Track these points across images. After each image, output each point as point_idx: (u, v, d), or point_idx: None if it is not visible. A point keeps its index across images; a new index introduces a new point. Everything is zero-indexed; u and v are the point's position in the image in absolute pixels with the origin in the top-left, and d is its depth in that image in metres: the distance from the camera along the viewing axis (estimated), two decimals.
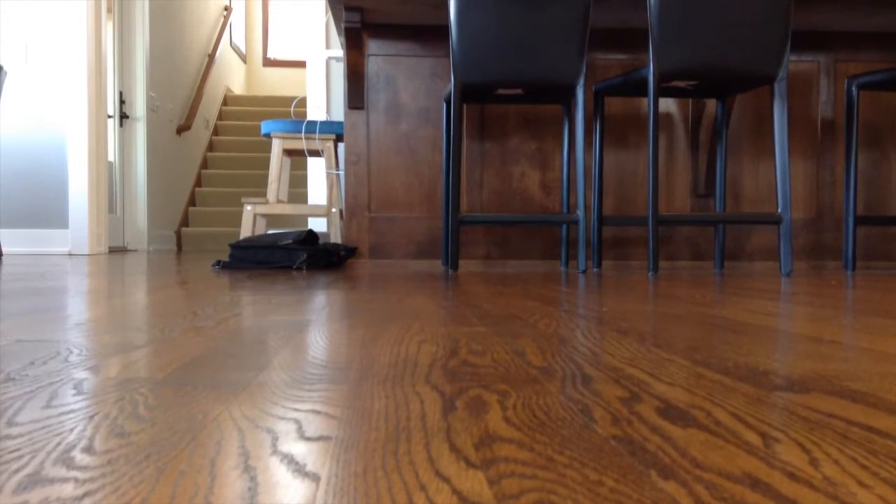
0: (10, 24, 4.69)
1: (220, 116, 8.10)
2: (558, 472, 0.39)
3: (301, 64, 9.57)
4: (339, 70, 4.22)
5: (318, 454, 0.42)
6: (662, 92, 2.90)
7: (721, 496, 0.35)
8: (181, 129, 6.65)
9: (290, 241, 2.74)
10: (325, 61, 4.23)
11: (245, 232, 3.69)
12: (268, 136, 3.82)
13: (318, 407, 0.54)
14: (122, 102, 5.68)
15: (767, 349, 0.82)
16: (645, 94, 2.99)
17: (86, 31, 4.67)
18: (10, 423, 0.49)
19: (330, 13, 4.04)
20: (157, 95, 6.13)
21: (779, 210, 2.59)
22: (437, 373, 0.67)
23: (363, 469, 0.39)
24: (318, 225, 4.35)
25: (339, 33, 3.29)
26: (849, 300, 1.48)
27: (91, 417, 0.50)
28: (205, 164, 7.45)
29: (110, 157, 5.58)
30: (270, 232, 3.15)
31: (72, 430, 0.47)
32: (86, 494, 0.35)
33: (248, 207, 3.72)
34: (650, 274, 2.47)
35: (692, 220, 2.71)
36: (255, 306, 1.30)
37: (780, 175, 2.59)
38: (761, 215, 2.68)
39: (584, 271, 2.64)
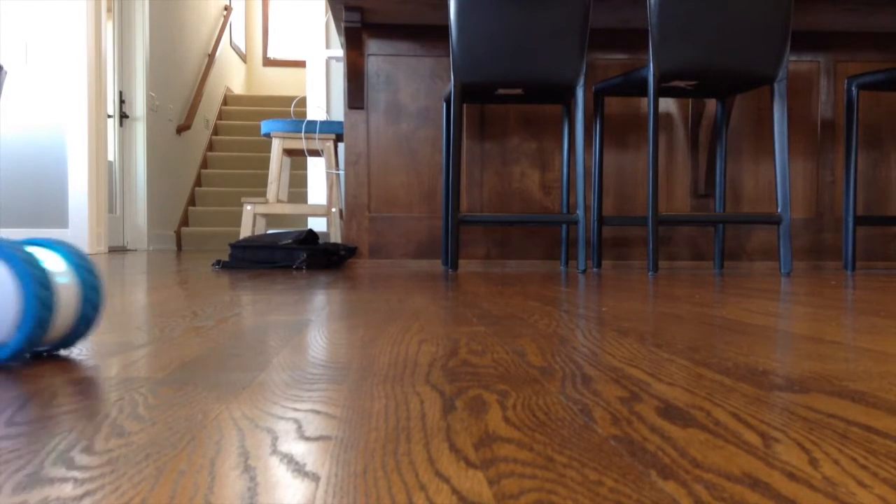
0: (10, 24, 4.69)
1: (220, 116, 8.10)
2: (558, 472, 0.39)
3: (301, 64, 9.57)
4: (339, 70, 4.22)
5: (317, 454, 0.42)
6: (662, 92, 2.90)
7: (721, 496, 0.35)
8: (181, 129, 6.65)
9: (290, 240, 2.74)
10: (325, 61, 4.23)
11: (245, 232, 3.69)
12: (268, 135, 3.82)
13: (317, 407, 0.54)
14: (122, 102, 5.68)
15: (767, 349, 0.82)
16: (645, 94, 2.99)
17: (86, 31, 4.67)
18: (9, 423, 0.49)
19: (330, 13, 4.04)
20: (157, 95, 6.13)
21: (779, 210, 2.59)
22: (437, 373, 0.67)
23: (363, 469, 0.39)
24: (318, 225, 4.35)
25: (339, 33, 3.29)
26: (848, 300, 1.48)
27: (91, 417, 0.50)
28: (205, 164, 7.45)
29: (110, 157, 5.58)
30: (270, 232, 3.15)
31: (71, 429, 0.47)
32: (85, 494, 0.35)
33: (248, 207, 3.71)
34: (650, 274, 2.47)
35: (692, 220, 2.71)
36: (255, 306, 1.30)
37: (779, 175, 2.59)
38: (761, 215, 2.68)
39: (584, 271, 2.64)
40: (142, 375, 0.66)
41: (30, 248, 0.72)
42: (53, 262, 0.74)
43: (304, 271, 2.56)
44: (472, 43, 2.59)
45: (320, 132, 3.71)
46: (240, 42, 9.13)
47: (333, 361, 0.73)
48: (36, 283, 0.67)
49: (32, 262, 0.69)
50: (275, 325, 1.03)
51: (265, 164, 7.38)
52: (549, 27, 2.59)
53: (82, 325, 0.77)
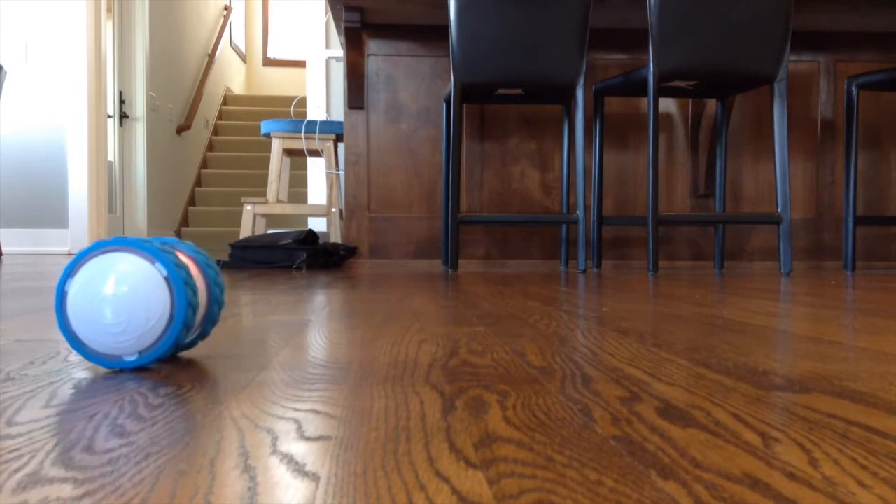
0: (10, 24, 4.69)
1: (220, 116, 8.10)
2: (558, 472, 0.39)
3: (301, 64, 9.56)
4: (339, 70, 4.22)
5: (317, 454, 0.42)
6: (662, 92, 2.90)
7: (721, 496, 0.35)
8: (181, 129, 6.65)
9: (290, 240, 2.74)
10: (325, 61, 4.23)
11: (245, 232, 3.69)
12: (268, 135, 3.82)
13: (317, 407, 0.54)
14: (122, 102, 5.68)
15: (767, 349, 0.82)
16: (645, 94, 2.99)
17: (86, 31, 4.67)
18: (9, 423, 0.49)
19: (330, 13, 4.04)
20: (157, 95, 6.13)
21: (779, 210, 2.59)
22: (437, 373, 0.67)
23: (363, 469, 0.39)
24: (318, 225, 4.35)
25: (339, 33, 3.29)
26: (848, 300, 1.48)
27: (91, 417, 0.50)
28: (205, 164, 7.45)
29: (110, 157, 5.58)
30: (270, 232, 3.15)
31: (71, 429, 0.47)
32: (85, 494, 0.35)
33: (248, 207, 3.71)
34: (650, 274, 2.47)
35: (692, 220, 2.71)
36: (255, 306, 1.30)
37: (779, 175, 2.59)
38: (761, 215, 2.68)
39: (584, 271, 2.64)
40: (142, 375, 0.66)
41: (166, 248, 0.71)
42: (188, 262, 0.73)
43: (303, 271, 2.56)
44: (472, 43, 2.59)
45: (320, 132, 3.71)
46: (240, 42, 9.13)
47: (333, 361, 0.73)
48: (186, 287, 0.67)
49: (181, 265, 0.68)
50: (275, 324, 1.03)
51: (265, 164, 7.37)
52: (549, 27, 2.59)
53: (209, 324, 0.76)
